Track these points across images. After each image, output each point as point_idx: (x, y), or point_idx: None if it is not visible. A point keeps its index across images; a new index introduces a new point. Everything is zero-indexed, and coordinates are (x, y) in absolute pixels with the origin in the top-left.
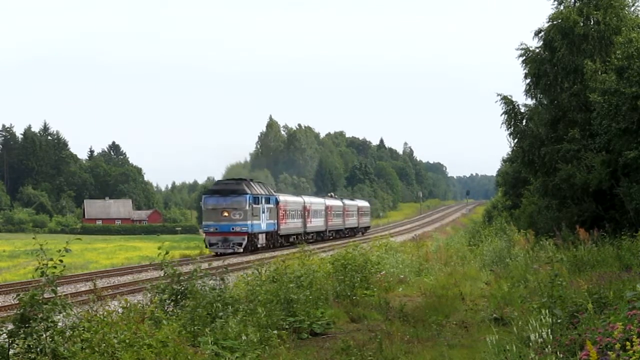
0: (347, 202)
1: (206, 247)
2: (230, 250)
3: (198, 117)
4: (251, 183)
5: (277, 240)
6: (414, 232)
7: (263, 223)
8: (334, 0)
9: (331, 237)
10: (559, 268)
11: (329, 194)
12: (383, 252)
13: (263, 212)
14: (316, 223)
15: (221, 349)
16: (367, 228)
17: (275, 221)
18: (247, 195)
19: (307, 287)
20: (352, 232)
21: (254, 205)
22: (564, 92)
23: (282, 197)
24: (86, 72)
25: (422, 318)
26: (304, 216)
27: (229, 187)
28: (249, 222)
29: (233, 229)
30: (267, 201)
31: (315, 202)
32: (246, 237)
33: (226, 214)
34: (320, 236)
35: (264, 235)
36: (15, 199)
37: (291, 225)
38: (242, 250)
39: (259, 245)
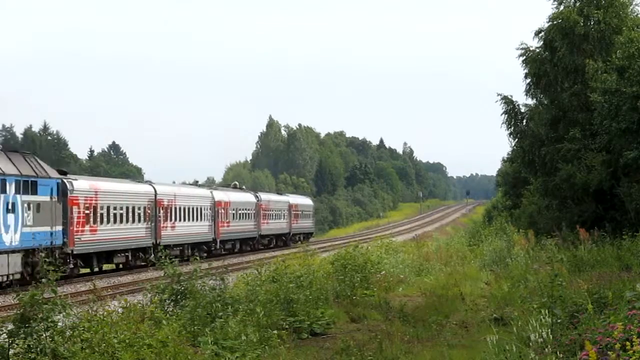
0: (268, 196)
1: None
2: None
3: (198, 116)
4: None
5: (70, 263)
6: (414, 232)
7: (8, 234)
8: (333, 0)
9: (235, 251)
10: (559, 268)
11: (233, 184)
12: (383, 252)
13: (9, 210)
14: (190, 229)
15: (221, 349)
16: (308, 234)
17: (61, 228)
18: None
19: (307, 287)
20: (281, 240)
21: None
22: (564, 91)
23: (89, 183)
24: (86, 72)
25: (422, 318)
26: (155, 218)
27: None
28: None
29: None
30: (30, 188)
31: (188, 195)
32: None
33: None
34: (205, 250)
35: (13, 257)
36: None
37: (115, 234)
38: None
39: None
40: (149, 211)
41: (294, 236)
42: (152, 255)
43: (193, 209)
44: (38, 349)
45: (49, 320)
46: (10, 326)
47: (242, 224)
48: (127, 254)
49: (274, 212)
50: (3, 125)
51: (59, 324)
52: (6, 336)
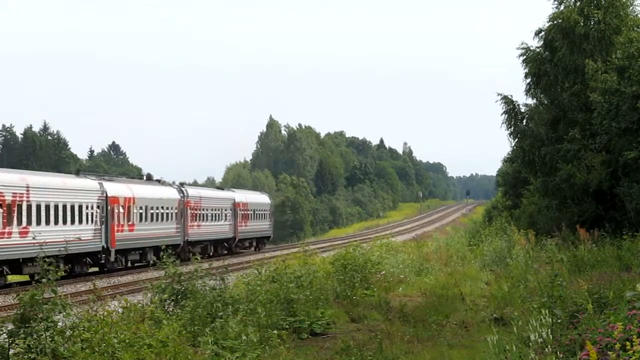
0: (199, 191)
1: None
2: None
3: (198, 116)
4: None
5: None
6: (414, 232)
7: None
8: (334, 0)
9: (141, 262)
10: (559, 268)
11: (147, 174)
12: (383, 252)
13: None
14: (58, 235)
15: (221, 349)
16: (264, 239)
17: None
18: None
19: (307, 287)
20: (222, 247)
21: None
22: (564, 91)
23: None
24: (86, 72)
25: (422, 318)
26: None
27: None
28: None
29: None
30: None
31: (52, 187)
32: None
33: None
34: (91, 263)
35: None
36: None
37: None
38: None
39: None
40: None
41: (242, 242)
42: None
43: (63, 207)
44: (38, 349)
45: (49, 320)
46: (10, 326)
47: (155, 228)
48: None
49: (210, 212)
50: (3, 125)
51: (59, 324)
52: (6, 336)
